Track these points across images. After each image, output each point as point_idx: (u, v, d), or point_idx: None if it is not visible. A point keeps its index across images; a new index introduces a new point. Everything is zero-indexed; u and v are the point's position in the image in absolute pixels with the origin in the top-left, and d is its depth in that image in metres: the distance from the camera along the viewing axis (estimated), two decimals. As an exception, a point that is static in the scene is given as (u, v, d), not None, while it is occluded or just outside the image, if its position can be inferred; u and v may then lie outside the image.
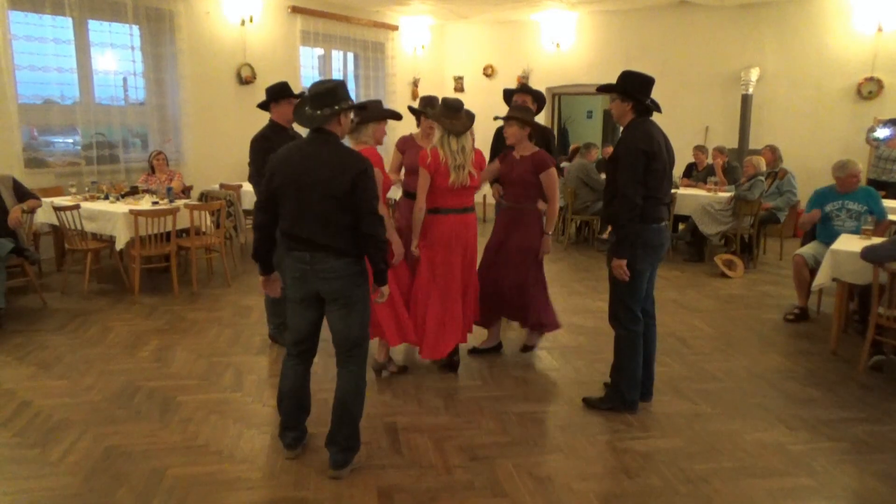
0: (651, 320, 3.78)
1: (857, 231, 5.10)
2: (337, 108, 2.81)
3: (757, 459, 3.20)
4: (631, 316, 3.59)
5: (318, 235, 2.79)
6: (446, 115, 3.89)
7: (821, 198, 5.44)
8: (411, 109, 4.61)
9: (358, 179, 2.74)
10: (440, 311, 4.01)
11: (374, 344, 3.86)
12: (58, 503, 2.78)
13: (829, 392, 4.00)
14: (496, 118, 4.42)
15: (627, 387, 3.64)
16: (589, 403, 3.77)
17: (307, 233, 2.79)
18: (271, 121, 4.32)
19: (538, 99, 4.74)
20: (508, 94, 4.79)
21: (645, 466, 3.12)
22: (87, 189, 6.56)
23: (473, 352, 4.52)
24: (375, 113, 3.74)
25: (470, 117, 3.95)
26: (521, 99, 4.61)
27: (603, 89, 3.56)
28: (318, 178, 2.74)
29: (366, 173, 2.78)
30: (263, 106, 4.36)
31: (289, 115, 4.25)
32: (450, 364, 4.23)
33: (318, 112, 2.80)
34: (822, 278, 4.64)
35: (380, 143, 3.81)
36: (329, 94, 2.80)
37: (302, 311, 2.94)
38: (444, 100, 3.98)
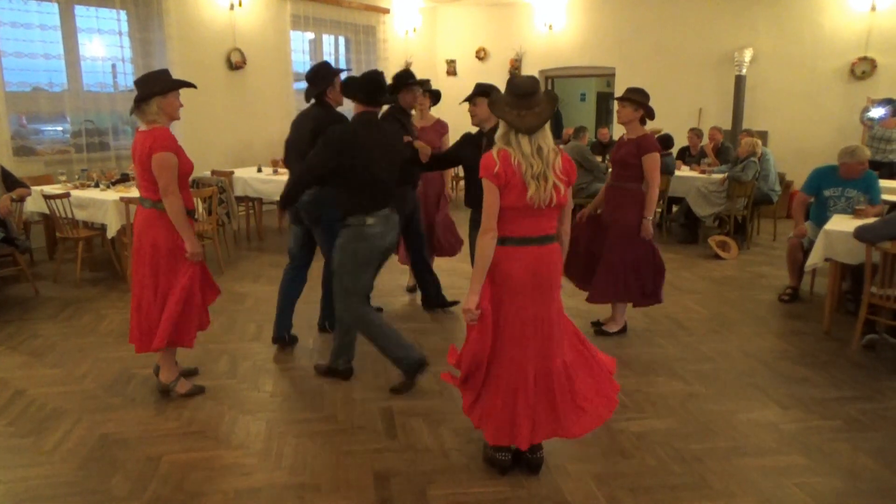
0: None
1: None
2: None
3: (750, 438, 3.22)
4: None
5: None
6: (510, 101, 2.57)
7: (820, 179, 5.21)
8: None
9: None
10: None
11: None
12: (53, 491, 2.78)
13: (821, 371, 4.02)
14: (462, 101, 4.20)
15: None
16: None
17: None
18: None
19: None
20: (400, 82, 4.65)
21: (639, 446, 3.14)
22: (77, 177, 6.52)
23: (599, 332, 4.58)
24: (159, 85, 3.24)
25: (551, 102, 2.63)
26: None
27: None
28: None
29: None
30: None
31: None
32: (529, 463, 2.93)
33: None
34: (814, 258, 4.65)
35: (174, 118, 3.39)
36: None
37: None
38: (511, 80, 2.65)
